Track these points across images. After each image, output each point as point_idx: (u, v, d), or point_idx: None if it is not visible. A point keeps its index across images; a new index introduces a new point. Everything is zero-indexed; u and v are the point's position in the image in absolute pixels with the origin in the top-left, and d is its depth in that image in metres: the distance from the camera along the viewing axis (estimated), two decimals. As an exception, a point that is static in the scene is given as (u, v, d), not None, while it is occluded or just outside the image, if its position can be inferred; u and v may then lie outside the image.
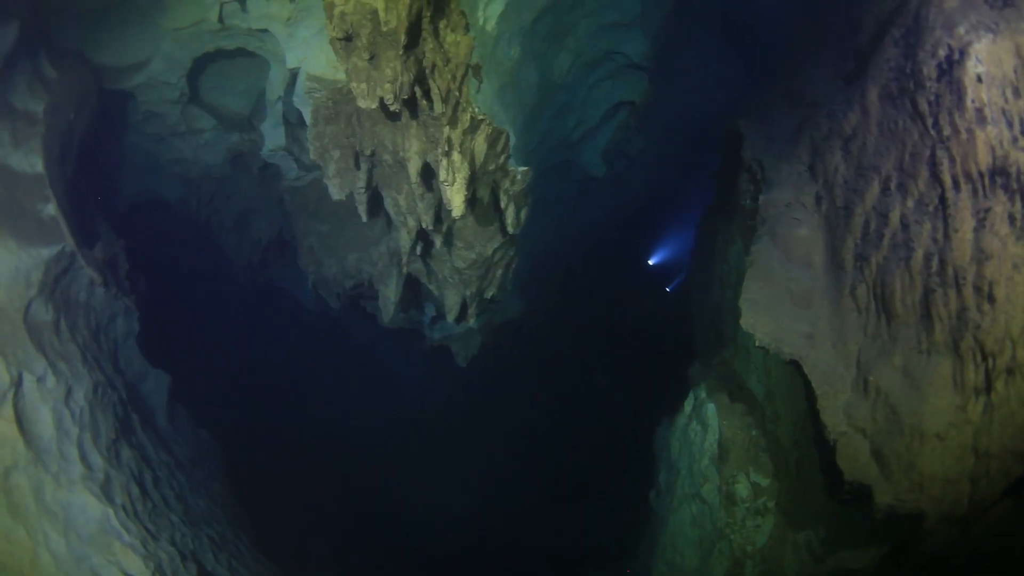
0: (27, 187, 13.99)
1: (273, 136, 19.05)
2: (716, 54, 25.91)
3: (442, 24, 12.35)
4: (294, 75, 16.55)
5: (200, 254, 26.76)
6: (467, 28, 12.69)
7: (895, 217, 11.57)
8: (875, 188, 11.99)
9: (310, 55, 15.29)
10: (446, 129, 13.88)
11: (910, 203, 11.29)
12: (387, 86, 12.90)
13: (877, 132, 11.99)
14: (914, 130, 11.07)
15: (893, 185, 11.60)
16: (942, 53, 10.26)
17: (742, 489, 16.72)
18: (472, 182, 14.60)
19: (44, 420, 13.24)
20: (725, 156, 18.97)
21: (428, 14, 12.09)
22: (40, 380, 13.20)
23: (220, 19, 16.04)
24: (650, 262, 35.15)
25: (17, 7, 13.07)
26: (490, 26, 13.52)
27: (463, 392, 34.22)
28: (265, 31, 16.13)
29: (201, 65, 18.24)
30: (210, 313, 28.01)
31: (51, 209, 14.09)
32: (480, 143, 14.04)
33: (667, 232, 33.15)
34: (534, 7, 15.22)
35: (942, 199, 10.67)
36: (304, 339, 32.60)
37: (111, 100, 17.74)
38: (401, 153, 15.19)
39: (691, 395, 18.65)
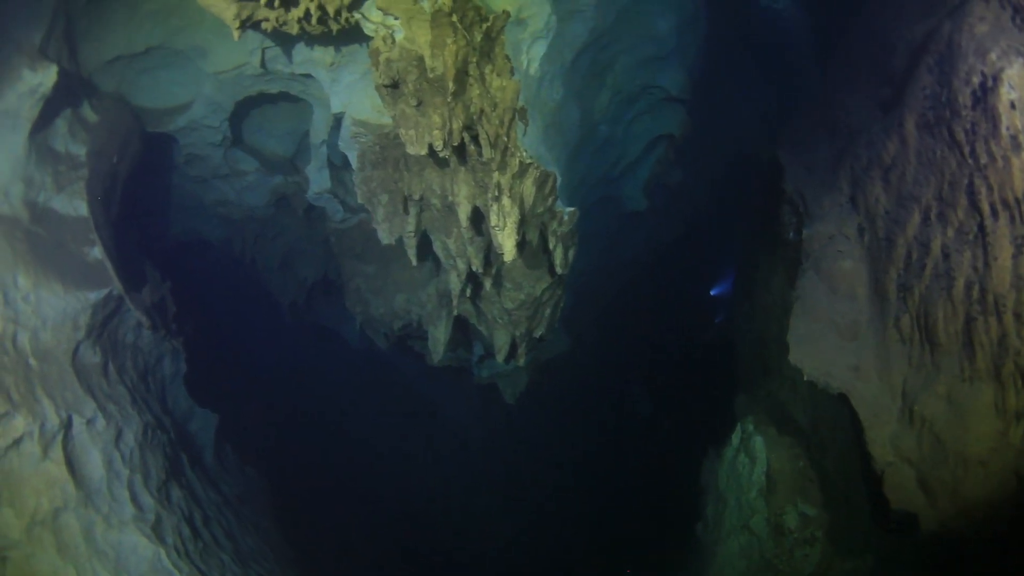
0: (72, 230, 14.13)
1: (318, 179, 19.16)
2: (749, 81, 25.95)
3: (488, 69, 12.41)
4: (338, 119, 16.63)
5: (245, 293, 26.90)
6: (512, 72, 12.77)
7: (936, 247, 11.59)
8: (916, 218, 12.00)
9: (354, 100, 15.38)
10: (495, 174, 13.95)
11: (950, 232, 11.31)
12: (436, 132, 12.99)
13: (916, 162, 11.99)
14: (952, 159, 11.09)
15: (933, 215, 11.62)
16: (975, 80, 10.28)
17: (790, 520, 16.74)
18: (522, 225, 14.66)
19: (94, 462, 13.39)
20: (765, 186, 18.91)
21: (474, 60, 12.17)
22: (90, 423, 13.35)
23: (262, 64, 16.18)
24: (691, 293, 35.10)
25: (55, 51, 13.25)
26: (533, 68, 13.58)
27: (508, 427, 34.21)
28: (308, 76, 16.27)
29: (243, 108, 18.36)
30: (255, 352, 28.13)
31: (97, 252, 14.24)
32: (529, 187, 14.10)
33: (706, 263, 33.06)
34: (574, 46, 15.31)
35: (981, 227, 10.70)
36: (349, 377, 32.66)
37: (154, 142, 17.90)
38: (450, 198, 15.26)
39: (738, 427, 18.66)
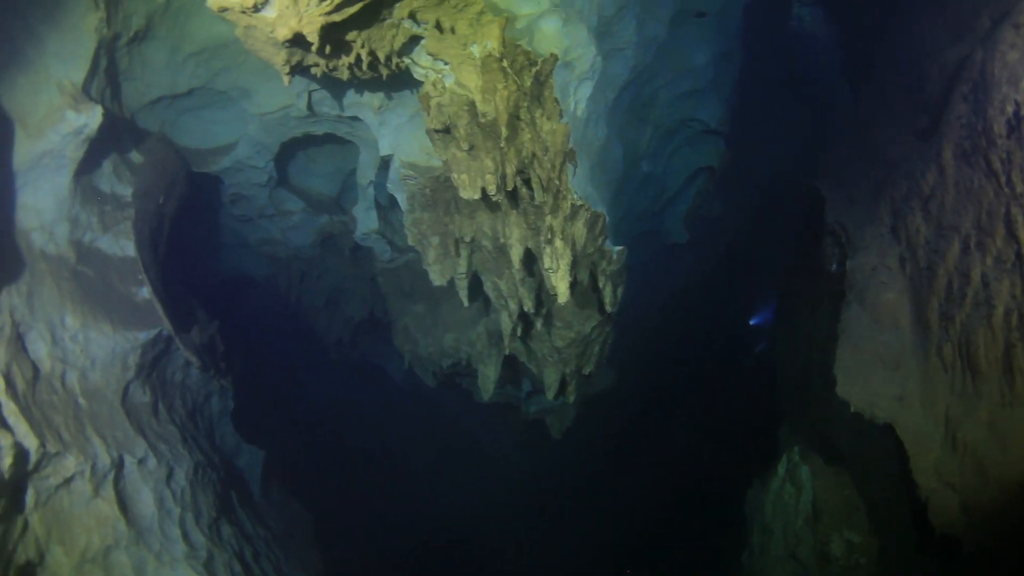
0: (119, 270, 14.24)
1: (366, 220, 19.26)
2: (783, 110, 26.02)
3: (538, 113, 12.46)
4: (386, 160, 16.77)
5: (290, 331, 27.06)
6: (561, 115, 12.84)
7: (976, 275, 11.61)
8: (955, 247, 12.02)
9: (403, 142, 15.46)
10: (548, 218, 14.01)
11: (989, 260, 11.33)
12: (489, 177, 13.08)
13: (954, 191, 12.01)
14: (989, 188, 11.12)
15: (972, 244, 11.64)
16: (1010, 109, 10.32)
17: (836, 547, 16.77)
18: (574, 267, 14.72)
19: (146, 500, 13.50)
20: (805, 217, 18.96)
21: (525, 104, 12.24)
22: (141, 462, 13.48)
23: (309, 106, 16.33)
24: (730, 323, 35.05)
25: (98, 90, 13.38)
26: (580, 110, 13.61)
27: (553, 461, 34.18)
28: (355, 118, 16.40)
29: (288, 149, 18.52)
30: (300, 388, 28.25)
31: (145, 292, 14.35)
32: (580, 228, 14.14)
33: (745, 293, 33.04)
34: (616, 84, 15.40)
35: (1018, 255, 10.73)
36: (393, 412, 32.74)
37: (199, 182, 18.04)
38: (502, 240, 15.35)
39: (784, 457, 18.70)
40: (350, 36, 11.13)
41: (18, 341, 11.62)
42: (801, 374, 19.33)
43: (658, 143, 19.93)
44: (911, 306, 13.59)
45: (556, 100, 12.63)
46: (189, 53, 14.92)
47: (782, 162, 26.70)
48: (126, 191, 14.56)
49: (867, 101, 17.09)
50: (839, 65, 22.81)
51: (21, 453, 10.78)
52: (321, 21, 9.96)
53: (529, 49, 11.91)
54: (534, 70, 12.02)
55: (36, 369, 11.88)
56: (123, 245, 14.28)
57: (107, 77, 13.71)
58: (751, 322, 33.88)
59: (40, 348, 12.12)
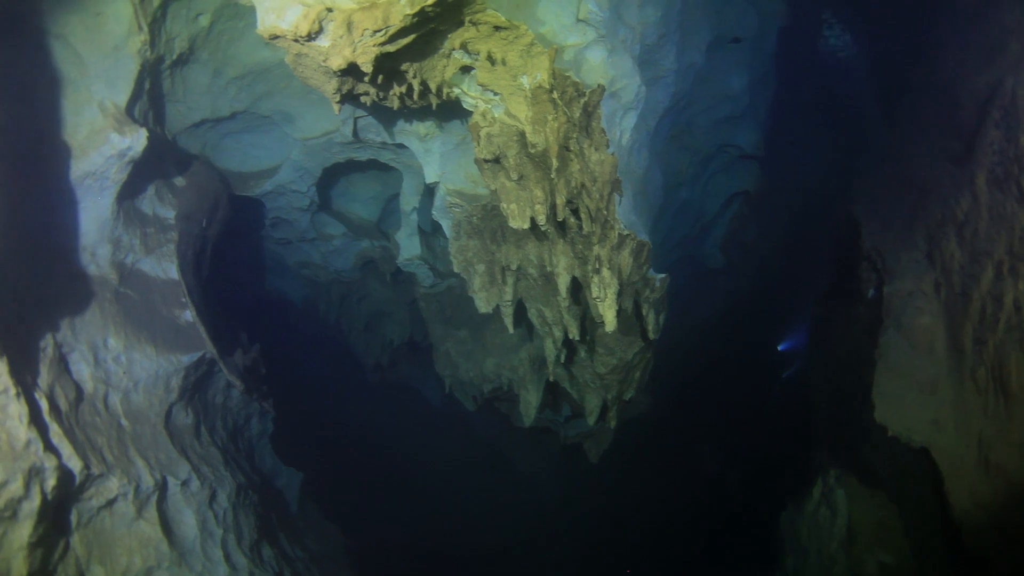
0: (162, 293, 14.29)
1: (408, 245, 19.33)
2: (817, 134, 26.01)
3: (586, 144, 12.48)
4: (430, 187, 16.84)
5: (329, 353, 27.16)
6: (607, 145, 12.85)
7: (1008, 300, 11.64)
8: (989, 273, 12.05)
9: (449, 169, 15.51)
10: (596, 247, 14.06)
11: (1021, 285, 11.36)
12: (539, 207, 13.12)
13: (988, 217, 12.07)
14: (1021, 213, 11.19)
15: (1005, 269, 11.69)
16: (1040, 135, 10.36)
17: (869, 569, 16.76)
18: (619, 295, 14.74)
19: (188, 522, 13.55)
20: (841, 243, 18.96)
21: (574, 135, 12.28)
22: (184, 484, 13.52)
23: (354, 133, 16.42)
24: (764, 347, 34.99)
25: (141, 113, 13.41)
26: (625, 139, 13.61)
27: (588, 484, 34.14)
28: (401, 145, 16.48)
29: (331, 174, 18.62)
30: (338, 410, 28.33)
31: (189, 316, 14.41)
32: (626, 257, 14.15)
33: (776, 317, 33.01)
34: (657, 111, 15.42)
35: (1049, 280, 10.77)
36: (430, 434, 32.80)
37: (241, 205, 18.11)
38: (548, 268, 15.40)
39: (819, 480, 18.67)
40: (403, 66, 11.17)
41: (61, 362, 11.63)
42: (835, 399, 19.33)
43: (696, 169, 19.99)
44: (946, 331, 13.65)
45: (603, 130, 12.62)
46: (232, 77, 14.99)
47: (814, 185, 26.69)
48: (168, 213, 14.59)
49: (899, 125, 17.11)
50: (869, 89, 22.81)
51: (65, 475, 10.78)
52: (375, 51, 9.99)
53: (578, 80, 11.91)
54: (583, 101, 12.04)
55: (79, 390, 11.89)
56: (166, 267, 14.32)
57: (150, 99, 13.76)
58: (779, 347, 33.86)
59: (83, 369, 12.14)
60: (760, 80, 19.93)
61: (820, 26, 25.65)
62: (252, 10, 12.77)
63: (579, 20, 11.95)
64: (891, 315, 14.66)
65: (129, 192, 13.36)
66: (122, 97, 12.58)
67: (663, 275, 15.90)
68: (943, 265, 13.54)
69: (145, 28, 12.07)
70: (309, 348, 26.17)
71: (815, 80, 25.33)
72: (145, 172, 13.61)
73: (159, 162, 14.40)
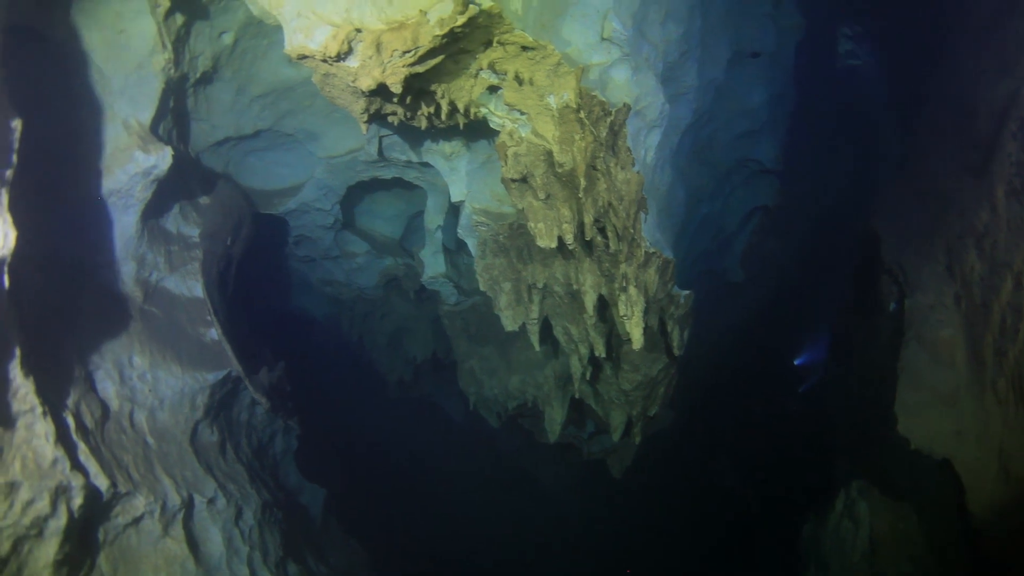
0: (187, 311, 14.33)
1: (433, 263, 19.41)
2: (834, 147, 26.00)
3: (613, 163, 12.50)
4: (455, 205, 16.88)
5: (352, 370, 27.21)
6: (633, 163, 12.86)
7: (1028, 311, 11.64)
8: (1008, 284, 12.04)
9: (475, 188, 15.55)
10: (623, 266, 14.07)
11: (1040, 296, 11.38)
12: (566, 226, 13.17)
13: (1007, 229, 12.07)
14: (1039, 224, 11.18)
15: (1024, 280, 11.66)
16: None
17: (891, 580, 16.74)
18: (646, 313, 14.76)
19: (215, 539, 13.57)
20: (861, 256, 18.97)
21: (601, 154, 12.30)
22: (211, 501, 13.55)
23: (380, 152, 16.48)
24: (783, 360, 34.93)
25: (165, 131, 13.45)
26: (650, 157, 13.62)
27: (611, 499, 34.10)
28: (426, 164, 16.54)
29: (355, 192, 18.66)
30: (361, 426, 28.37)
31: (214, 334, 14.44)
32: (652, 275, 14.17)
33: (793, 330, 32.94)
34: (679, 128, 15.42)
35: (1066, 291, 10.78)
36: (453, 450, 32.81)
37: (264, 223, 18.17)
38: (575, 286, 15.44)
39: (841, 493, 18.64)
40: (431, 86, 11.19)
41: (86, 380, 11.67)
42: (856, 412, 19.31)
43: (716, 184, 20.01)
44: (967, 342, 13.63)
45: (629, 149, 12.63)
46: (255, 95, 15.03)
47: (832, 198, 26.66)
48: (192, 231, 14.64)
49: (917, 137, 17.14)
50: (887, 100, 22.79)
51: (92, 493, 10.81)
52: (405, 72, 10.02)
53: (604, 99, 11.91)
54: (609, 120, 12.04)
55: (105, 408, 11.93)
56: (190, 285, 14.36)
57: (174, 117, 13.82)
58: (796, 362, 33.80)
59: (108, 387, 12.18)
60: (779, 94, 19.93)
61: (837, 39, 25.66)
62: (275, 29, 12.81)
63: (603, 39, 11.95)
64: (912, 328, 14.66)
65: (154, 210, 13.41)
66: (146, 115, 12.61)
67: (687, 291, 15.92)
68: (963, 277, 13.54)
69: (169, 46, 12.10)
70: (332, 365, 26.22)
71: (833, 93, 25.31)
72: (170, 190, 13.64)
73: (183, 180, 14.44)
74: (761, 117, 19.39)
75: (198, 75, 13.65)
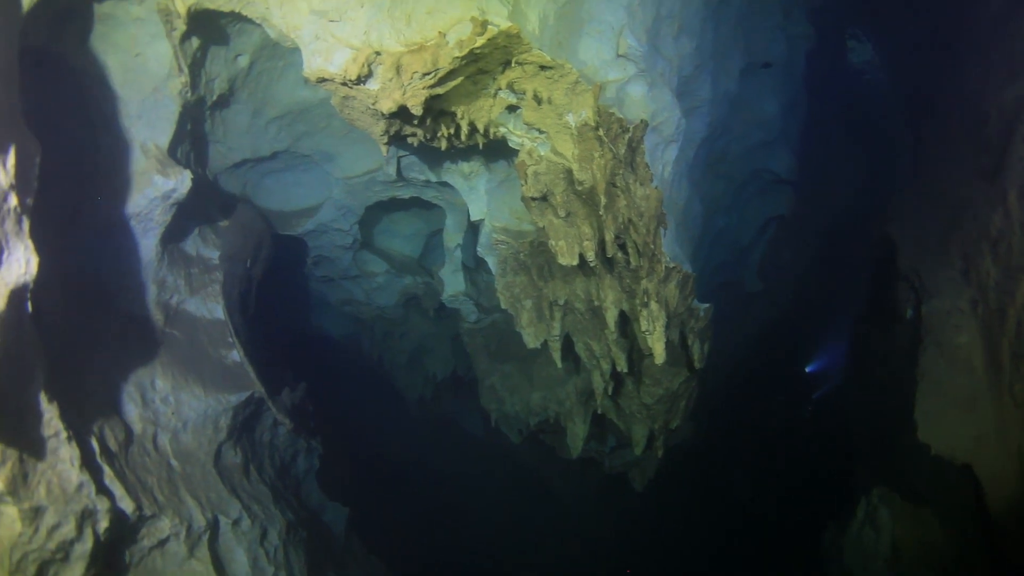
0: (208, 333, 14.36)
1: (453, 282, 19.52)
2: (845, 153, 26.01)
3: (631, 179, 12.53)
4: (473, 223, 16.91)
5: (372, 389, 27.25)
6: (652, 179, 12.88)
7: (1042, 314, 11.67)
8: (1023, 288, 12.01)
9: (494, 207, 15.61)
10: (644, 281, 14.12)
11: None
12: (587, 244, 13.24)
13: (1020, 233, 12.16)
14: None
15: (1039, 283, 11.71)
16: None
17: (914, 586, 16.76)
18: (667, 327, 14.78)
19: (240, 560, 13.59)
20: (878, 262, 18.98)
21: (620, 171, 12.33)
22: (236, 523, 13.57)
23: (398, 172, 16.55)
24: (797, 369, 34.93)
25: (183, 154, 13.47)
26: (667, 172, 13.68)
27: (633, 513, 34.07)
28: (444, 183, 16.60)
29: (373, 211, 18.70)
30: (381, 445, 28.41)
31: (236, 356, 14.47)
32: (672, 290, 14.21)
33: (808, 338, 32.92)
34: (694, 141, 15.49)
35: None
36: (473, 467, 32.82)
37: (283, 243, 18.22)
38: (596, 302, 15.48)
39: (862, 500, 18.65)
40: (451, 107, 11.22)
41: (110, 404, 11.72)
42: (875, 419, 19.32)
43: (732, 196, 20.09)
44: (984, 347, 13.67)
45: (647, 165, 12.66)
46: (272, 117, 15.07)
47: (845, 205, 26.66)
48: (212, 254, 14.68)
49: (930, 142, 17.15)
50: (898, 106, 22.79)
51: (118, 516, 10.84)
52: (425, 94, 10.06)
53: (622, 116, 11.94)
54: (627, 136, 12.08)
55: (128, 432, 11.95)
56: (211, 308, 14.39)
57: (192, 141, 13.85)
58: (808, 369, 33.79)
59: (131, 411, 12.21)
60: (791, 104, 20.01)
61: (847, 46, 25.70)
62: (291, 51, 12.86)
63: (619, 56, 12.00)
64: (930, 334, 14.70)
65: (173, 233, 13.43)
66: (164, 139, 12.57)
67: (707, 305, 15.96)
68: (979, 282, 13.57)
69: (185, 70, 12.09)
70: (352, 384, 26.27)
71: (844, 100, 25.36)
72: (189, 213, 13.64)
73: (202, 203, 14.44)
74: (774, 127, 19.46)
75: (215, 98, 13.65)
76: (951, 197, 15.00)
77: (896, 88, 23.38)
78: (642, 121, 12.23)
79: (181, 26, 11.15)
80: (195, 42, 12.07)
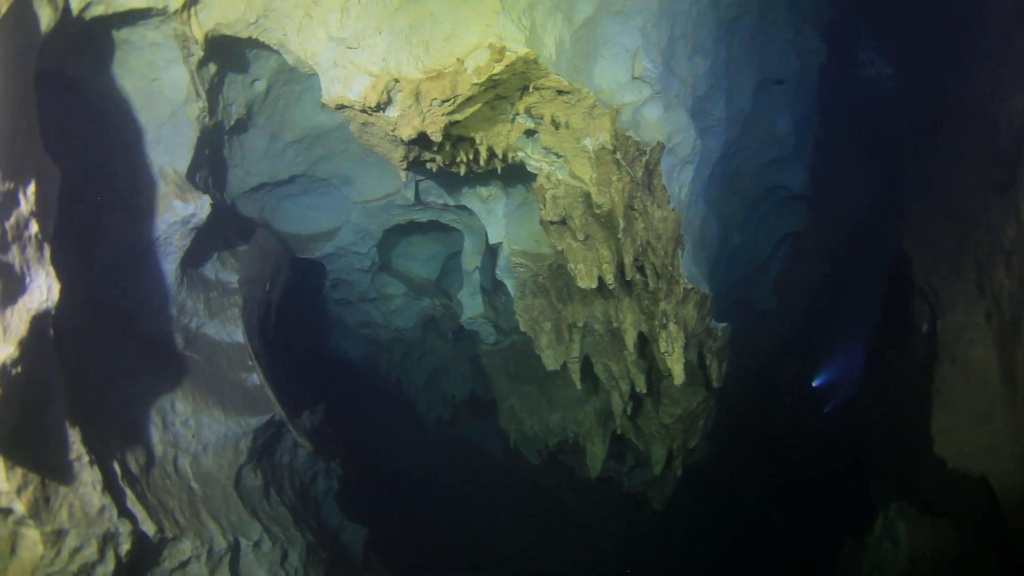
0: (228, 356, 14.42)
1: (471, 304, 19.62)
2: (857, 166, 26.01)
3: (649, 202, 12.60)
4: (491, 246, 16.98)
5: (390, 410, 27.31)
6: (669, 200, 12.94)
7: (1056, 327, 11.70)
8: (1036, 300, 12.10)
9: (512, 230, 15.69)
10: (662, 303, 14.18)
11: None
12: (606, 267, 13.31)
13: (1034, 244, 12.11)
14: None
15: (1053, 296, 11.74)
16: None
17: (932, 599, 16.77)
18: (685, 348, 14.82)
19: (260, 581, 13.64)
20: (893, 277, 19.00)
21: (638, 194, 12.39)
22: (256, 545, 13.60)
23: (416, 196, 16.64)
24: (813, 384, 34.87)
25: (202, 178, 13.56)
26: (684, 192, 13.75)
27: (652, 532, 34.03)
28: (462, 207, 16.68)
29: (391, 234, 18.79)
30: (400, 466, 28.44)
31: (255, 379, 14.53)
32: (690, 310, 14.28)
33: (829, 354, 32.88)
34: (709, 160, 15.54)
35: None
36: (492, 487, 32.81)
37: (301, 267, 18.31)
38: (615, 324, 15.54)
39: (880, 515, 18.64)
40: (470, 133, 11.29)
41: (130, 427, 11.77)
42: (892, 433, 19.31)
43: (747, 213, 20.12)
44: (999, 360, 13.68)
45: (664, 187, 12.73)
46: (289, 141, 15.15)
47: (859, 219, 26.64)
48: (231, 277, 14.75)
49: (942, 153, 17.13)
50: (909, 117, 22.80)
51: (140, 539, 10.88)
52: (444, 120, 10.13)
53: (638, 139, 12.00)
54: (644, 159, 12.16)
55: (149, 454, 12.00)
56: (231, 331, 14.46)
57: (210, 165, 13.92)
58: (823, 384, 33.78)
59: (152, 433, 12.26)
60: (804, 120, 20.05)
61: (858, 60, 25.71)
62: (308, 75, 12.91)
63: (635, 78, 12.06)
64: (946, 349, 14.73)
65: (192, 257, 13.50)
66: (182, 164, 12.64)
67: (724, 324, 16.01)
68: (993, 295, 13.58)
69: (203, 95, 12.13)
70: (371, 405, 26.31)
71: (856, 114, 25.35)
72: (208, 238, 13.68)
73: (220, 227, 14.50)
74: (788, 144, 19.51)
75: (232, 122, 13.73)
76: (965, 210, 15.02)
77: (908, 100, 23.41)
78: (659, 143, 12.29)
79: (198, 52, 11.20)
80: (212, 67, 12.12)
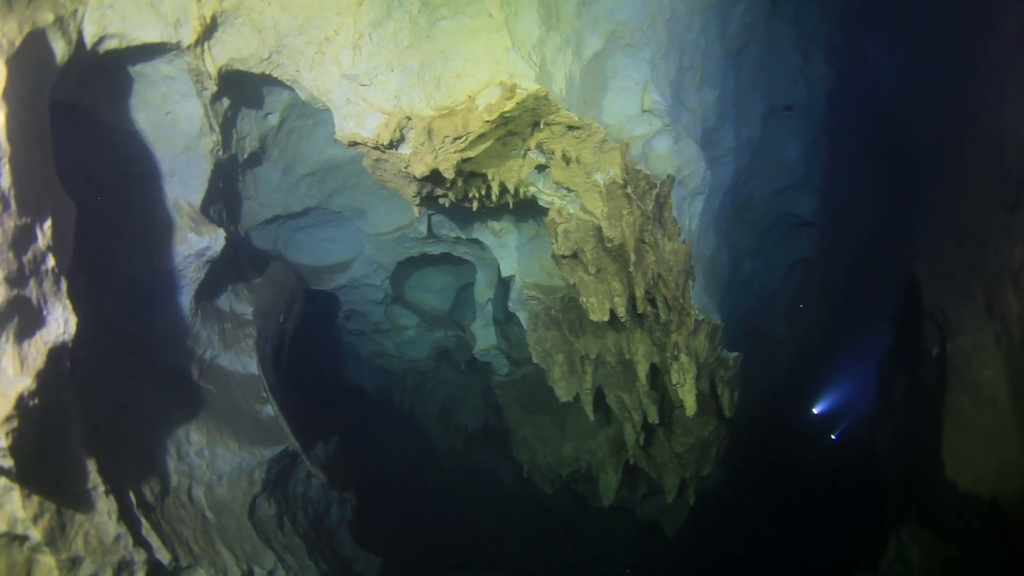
0: (242, 387, 14.50)
1: (485, 336, 19.72)
2: (866, 188, 26.04)
3: (660, 235, 12.67)
4: (505, 280, 17.06)
5: (403, 440, 27.34)
6: (679, 232, 13.02)
7: (1064, 348, 11.73)
8: (1044, 322, 12.14)
9: (524, 263, 15.78)
10: (674, 335, 14.24)
11: (1076, 333, 11.47)
12: (618, 300, 13.38)
13: (1041, 266, 12.14)
14: (1073, 261, 11.27)
15: (1059, 317, 11.76)
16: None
17: (944, 622, 16.75)
18: (697, 378, 14.88)
19: (275, 610, 13.70)
20: (902, 300, 19.00)
21: (649, 227, 12.48)
22: (270, 574, 13.63)
23: (429, 229, 16.75)
24: (823, 410, 34.82)
25: (216, 211, 13.67)
26: (694, 224, 13.81)
27: (664, 559, 33.96)
28: (475, 240, 16.78)
29: (404, 266, 18.88)
30: (413, 495, 28.46)
31: (270, 410, 14.61)
32: (702, 341, 14.34)
33: (840, 379, 32.82)
34: (719, 190, 15.60)
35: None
36: (505, 517, 32.78)
37: (315, 298, 18.39)
38: (627, 356, 15.59)
39: (893, 539, 18.64)
40: (482, 169, 11.39)
41: (146, 457, 11.85)
42: (903, 457, 19.31)
43: (757, 241, 20.14)
44: (1008, 381, 13.60)
45: (675, 220, 12.81)
46: (302, 174, 15.25)
47: (869, 241, 26.65)
48: (245, 309, 14.84)
49: (949, 175, 17.13)
50: (917, 138, 22.84)
51: (155, 568, 10.94)
52: (456, 157, 10.23)
53: (649, 173, 12.09)
54: (654, 192, 12.23)
55: (164, 484, 12.07)
56: (244, 362, 14.54)
57: (224, 198, 14.01)
58: (833, 409, 33.77)
59: (167, 464, 12.33)
60: (813, 145, 20.07)
61: (865, 84, 25.75)
62: (320, 110, 13.01)
63: (644, 111, 12.13)
64: (956, 372, 14.67)
65: (207, 289, 13.61)
66: (196, 197, 12.72)
67: (736, 353, 16.04)
68: (1002, 316, 13.53)
69: (217, 128, 12.18)
70: (384, 435, 26.35)
71: (866, 137, 25.37)
72: (222, 270, 13.80)
73: (235, 259, 14.61)
74: (798, 170, 19.55)
75: (246, 155, 13.83)
76: (973, 231, 15.01)
77: (916, 122, 23.45)
78: (669, 176, 12.38)
79: (212, 86, 11.27)
80: (226, 101, 12.20)
